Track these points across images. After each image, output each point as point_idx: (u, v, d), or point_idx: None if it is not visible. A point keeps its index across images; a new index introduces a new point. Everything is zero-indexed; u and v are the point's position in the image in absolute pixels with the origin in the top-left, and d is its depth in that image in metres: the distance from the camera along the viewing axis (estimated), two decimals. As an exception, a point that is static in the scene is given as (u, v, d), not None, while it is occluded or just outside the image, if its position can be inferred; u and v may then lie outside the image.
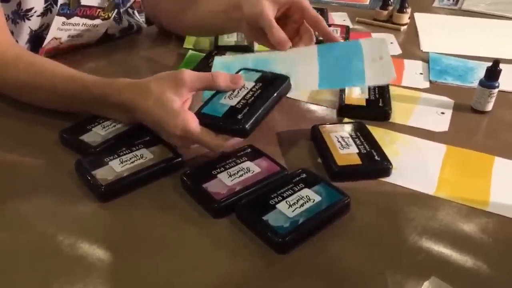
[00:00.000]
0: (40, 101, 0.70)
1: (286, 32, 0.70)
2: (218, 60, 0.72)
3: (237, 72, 0.65)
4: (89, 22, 0.87)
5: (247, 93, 0.61)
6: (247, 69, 0.66)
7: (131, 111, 0.61)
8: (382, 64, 0.67)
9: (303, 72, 0.67)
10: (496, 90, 0.74)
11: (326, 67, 0.68)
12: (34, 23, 0.82)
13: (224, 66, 0.69)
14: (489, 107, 0.76)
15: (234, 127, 0.58)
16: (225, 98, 0.61)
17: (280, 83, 0.62)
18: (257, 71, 0.65)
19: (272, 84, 0.62)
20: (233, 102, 0.60)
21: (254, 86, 0.62)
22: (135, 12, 1.05)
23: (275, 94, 0.61)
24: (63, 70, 0.69)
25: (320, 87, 0.67)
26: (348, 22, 1.11)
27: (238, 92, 0.61)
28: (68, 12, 0.82)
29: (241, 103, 0.59)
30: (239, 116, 0.58)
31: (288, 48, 0.69)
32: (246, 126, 0.57)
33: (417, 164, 0.64)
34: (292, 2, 0.72)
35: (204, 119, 0.59)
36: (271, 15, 0.70)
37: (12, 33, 0.80)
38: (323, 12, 1.12)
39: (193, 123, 0.57)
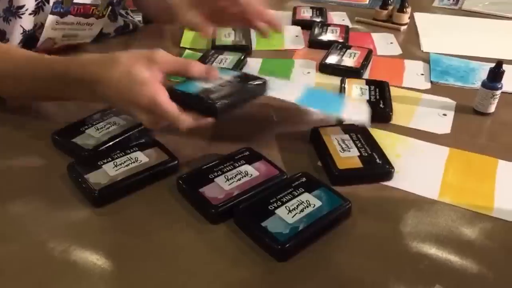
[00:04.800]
0: (6, 90, 0.68)
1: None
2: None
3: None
4: (83, 20, 0.86)
5: (224, 82, 0.61)
6: (227, 69, 0.68)
7: (93, 84, 0.59)
8: (360, 108, 0.69)
9: (290, 86, 0.70)
10: (499, 92, 0.73)
11: (310, 92, 0.69)
12: (26, 22, 0.80)
13: None
14: (492, 108, 0.74)
15: (206, 103, 0.57)
16: (200, 82, 0.60)
17: (258, 81, 0.63)
18: (238, 71, 0.66)
19: (249, 80, 0.63)
20: (208, 85, 0.60)
21: (231, 79, 0.62)
22: (129, 12, 1.03)
23: (250, 87, 0.62)
24: (27, 53, 0.67)
25: (298, 102, 0.64)
26: (347, 22, 1.10)
27: (215, 81, 0.61)
28: (61, 10, 0.81)
29: (217, 87, 0.59)
30: (212, 96, 0.57)
31: None
32: (218, 104, 0.56)
33: (419, 168, 0.62)
34: None
35: (175, 95, 0.58)
36: None
37: (4, 32, 0.78)
38: (322, 11, 1.11)
39: (162, 94, 0.56)
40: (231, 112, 0.59)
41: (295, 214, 0.51)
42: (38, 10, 0.80)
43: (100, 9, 0.87)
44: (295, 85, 0.71)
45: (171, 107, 0.56)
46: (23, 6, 0.78)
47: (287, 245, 0.48)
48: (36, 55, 0.66)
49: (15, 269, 0.47)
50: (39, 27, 0.82)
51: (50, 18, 0.80)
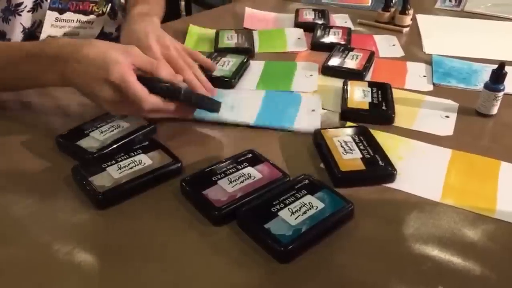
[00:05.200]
0: None
1: None
2: None
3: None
4: (83, 18, 0.86)
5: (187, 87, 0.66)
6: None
7: (64, 63, 0.61)
8: (312, 115, 0.73)
9: (245, 108, 0.73)
10: (501, 94, 0.73)
11: (265, 109, 0.73)
12: (25, 19, 0.81)
13: None
14: (494, 110, 0.74)
15: (172, 87, 0.62)
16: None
17: (214, 100, 0.67)
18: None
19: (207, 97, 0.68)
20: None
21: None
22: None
23: (208, 98, 0.67)
24: (2, 42, 0.69)
25: (255, 123, 0.70)
26: (349, 24, 1.10)
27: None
28: (59, 6, 0.81)
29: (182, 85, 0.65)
30: (178, 85, 0.63)
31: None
32: (183, 90, 0.62)
33: (422, 170, 0.62)
34: None
35: (143, 80, 0.61)
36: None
37: (4, 32, 0.79)
38: (324, 13, 1.11)
39: (132, 76, 0.59)
40: (189, 105, 0.65)
41: (298, 216, 0.51)
42: (36, 7, 0.81)
43: (99, 7, 0.87)
44: (249, 108, 0.74)
45: (140, 87, 0.59)
46: (22, 3, 0.79)
47: (290, 247, 0.48)
48: (11, 42, 0.69)
49: (18, 271, 0.47)
50: (38, 25, 0.82)
51: (49, 14, 0.81)
